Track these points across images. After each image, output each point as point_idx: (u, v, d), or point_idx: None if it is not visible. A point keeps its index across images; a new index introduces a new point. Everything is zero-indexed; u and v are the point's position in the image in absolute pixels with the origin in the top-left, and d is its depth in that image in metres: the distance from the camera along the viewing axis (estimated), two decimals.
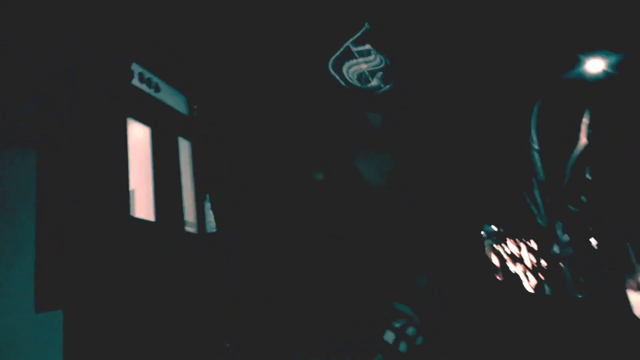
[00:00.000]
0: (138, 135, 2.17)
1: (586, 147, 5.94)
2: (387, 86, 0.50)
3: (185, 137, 2.52)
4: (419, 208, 0.53)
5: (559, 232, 5.29)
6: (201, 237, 2.54)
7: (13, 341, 1.56)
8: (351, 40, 0.49)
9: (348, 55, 0.49)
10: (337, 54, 0.48)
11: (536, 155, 6.76)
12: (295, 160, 0.50)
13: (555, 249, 5.15)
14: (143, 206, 2.14)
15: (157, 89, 2.33)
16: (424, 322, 0.51)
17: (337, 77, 0.48)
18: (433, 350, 0.50)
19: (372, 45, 0.49)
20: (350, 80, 0.48)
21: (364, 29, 0.49)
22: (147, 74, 2.21)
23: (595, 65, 5.94)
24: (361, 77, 0.49)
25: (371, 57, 0.49)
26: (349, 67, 0.48)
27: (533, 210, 6.39)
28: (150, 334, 1.59)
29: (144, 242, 2.02)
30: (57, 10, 1.85)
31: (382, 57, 0.50)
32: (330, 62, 0.48)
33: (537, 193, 6.43)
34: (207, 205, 2.66)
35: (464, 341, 0.51)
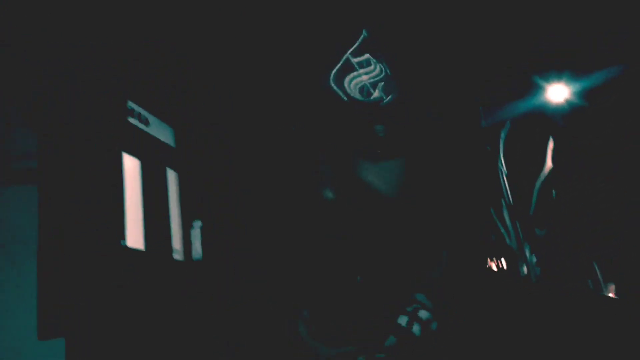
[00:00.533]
0: (128, 167, 2.27)
1: (551, 171, 6.22)
2: (389, 97, 0.50)
3: (173, 168, 2.62)
4: (429, 213, 0.55)
5: (527, 254, 5.51)
6: (188, 264, 2.62)
7: None
8: (350, 51, 0.49)
9: (349, 67, 0.49)
10: (338, 66, 0.49)
11: (504, 178, 7.03)
12: (299, 176, 0.50)
13: (524, 269, 5.36)
14: (133, 235, 2.23)
15: (147, 123, 2.43)
16: (438, 309, 0.53)
17: (340, 92, 0.48)
18: (448, 337, 0.52)
19: (371, 55, 0.50)
20: (352, 95, 0.48)
21: (361, 37, 0.50)
22: (137, 109, 2.31)
23: (557, 93, 6.25)
24: (362, 89, 0.49)
25: (371, 68, 0.49)
26: (351, 80, 0.48)
27: (502, 232, 6.63)
28: (149, 355, 1.67)
29: (136, 270, 2.10)
30: (55, 46, 1.95)
31: (381, 67, 0.50)
32: (331, 77, 0.49)
33: (506, 215, 6.67)
34: (193, 232, 2.75)
35: (478, 331, 0.53)
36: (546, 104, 5.95)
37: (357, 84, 0.48)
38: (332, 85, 0.48)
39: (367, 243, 0.49)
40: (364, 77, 0.48)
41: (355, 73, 0.48)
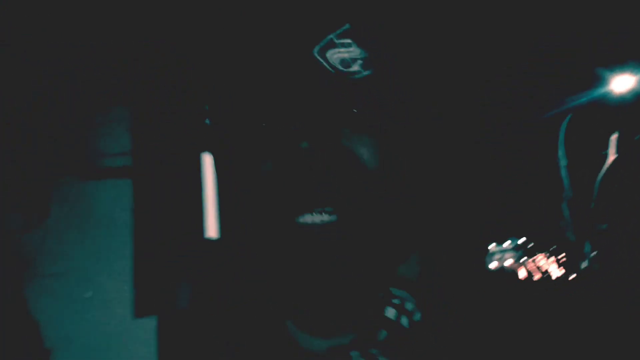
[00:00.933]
0: (206, 163, 2.47)
1: (614, 163, 6.03)
2: (367, 72, 0.54)
3: None
4: (412, 197, 0.56)
5: (587, 248, 5.42)
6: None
7: (112, 344, 1.84)
8: (334, 34, 0.54)
9: (331, 45, 0.54)
10: (322, 44, 0.54)
11: (564, 171, 6.89)
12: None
13: (584, 264, 5.28)
14: (210, 225, 2.43)
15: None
16: (420, 301, 0.55)
17: (322, 61, 0.53)
18: (432, 325, 0.54)
19: (352, 40, 0.55)
20: (333, 64, 0.53)
21: (345, 27, 0.55)
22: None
23: (622, 83, 6.06)
24: (343, 62, 0.54)
25: (352, 49, 0.55)
26: (332, 54, 0.54)
27: (561, 225, 6.50)
28: (235, 334, 1.85)
29: (213, 257, 2.29)
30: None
31: (361, 50, 0.55)
32: (315, 50, 0.53)
33: (565, 208, 6.55)
34: None
35: (462, 321, 0.55)
36: (610, 95, 5.80)
37: (338, 57, 0.53)
38: (316, 55, 0.52)
39: (347, 223, 0.50)
40: (345, 54, 0.53)
41: (337, 49, 0.53)
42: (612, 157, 6.39)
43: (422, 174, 0.59)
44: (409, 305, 0.54)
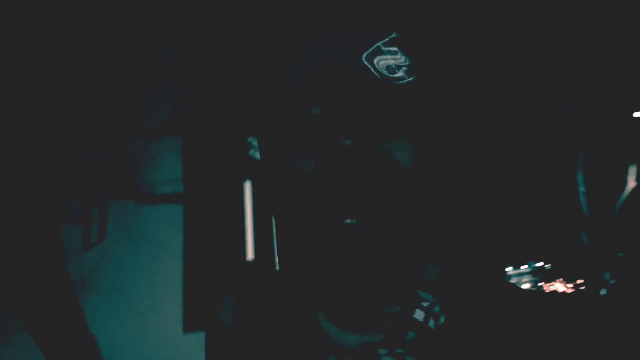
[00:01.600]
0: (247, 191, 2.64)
1: (634, 190, 6.10)
2: (411, 78, 0.56)
3: None
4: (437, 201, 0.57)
5: (607, 275, 5.46)
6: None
7: (163, 356, 1.99)
8: (382, 42, 0.56)
9: (379, 52, 0.56)
10: (370, 50, 0.55)
11: (583, 197, 6.94)
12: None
13: (603, 291, 5.32)
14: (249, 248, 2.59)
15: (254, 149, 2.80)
16: (443, 305, 0.56)
17: (370, 67, 0.54)
18: (455, 329, 0.55)
19: (398, 48, 0.57)
20: (380, 70, 0.54)
21: (392, 35, 0.57)
22: (252, 141, 2.67)
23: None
24: (389, 68, 0.55)
25: (398, 56, 0.57)
26: (379, 61, 0.56)
27: (580, 252, 6.54)
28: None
29: (247, 276, 2.44)
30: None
31: (406, 57, 0.57)
32: (364, 56, 0.55)
33: (584, 235, 6.58)
34: None
35: (481, 326, 0.56)
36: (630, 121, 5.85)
37: (384, 64, 0.55)
38: (364, 61, 0.54)
39: (380, 221, 0.51)
40: (391, 61, 0.56)
41: (383, 56, 0.56)
42: (631, 185, 6.43)
43: (455, 179, 0.61)
44: (437, 309, 0.56)
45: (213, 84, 2.22)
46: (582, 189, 7.00)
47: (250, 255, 2.57)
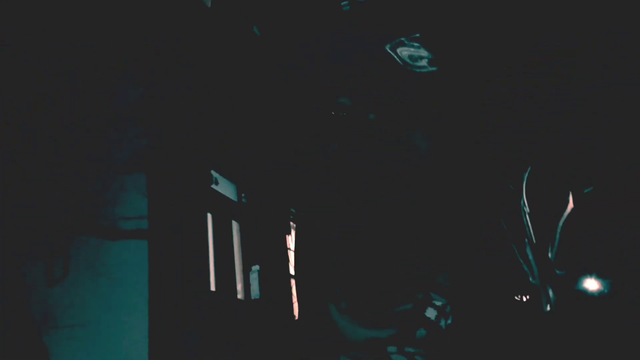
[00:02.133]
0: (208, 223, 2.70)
1: (572, 211, 6.45)
2: (433, 68, 0.60)
3: (236, 220, 3.04)
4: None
5: (550, 292, 5.74)
6: (247, 303, 3.02)
7: None
8: (405, 37, 0.60)
9: (402, 43, 0.61)
10: (394, 42, 0.60)
11: (527, 217, 7.27)
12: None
13: (547, 307, 5.58)
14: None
15: (217, 183, 2.88)
16: (453, 306, 0.57)
17: (393, 55, 0.59)
18: (462, 330, 0.56)
19: (420, 44, 0.61)
20: (402, 57, 0.59)
21: (415, 35, 0.61)
22: (214, 174, 2.76)
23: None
24: (412, 57, 0.60)
25: (420, 49, 0.61)
26: (402, 50, 0.60)
27: (525, 269, 6.83)
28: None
29: (213, 307, 2.51)
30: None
31: (427, 51, 0.61)
32: (387, 46, 0.60)
33: (529, 253, 6.88)
34: (252, 275, 3.15)
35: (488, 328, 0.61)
36: None
37: (407, 53, 0.58)
38: (388, 50, 0.58)
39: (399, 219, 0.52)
40: (413, 52, 0.59)
41: (406, 47, 0.59)
42: (571, 205, 6.79)
43: (461, 178, 0.61)
44: (449, 309, 0.56)
45: (179, 120, 2.30)
46: (526, 209, 7.35)
47: (212, 286, 2.63)
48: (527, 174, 7.40)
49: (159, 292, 2.00)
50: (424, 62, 0.59)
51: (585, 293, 6.31)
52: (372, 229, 0.53)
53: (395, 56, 0.59)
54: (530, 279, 6.48)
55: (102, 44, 2.29)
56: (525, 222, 7.32)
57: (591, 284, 6.38)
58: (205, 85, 2.61)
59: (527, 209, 7.28)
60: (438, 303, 0.56)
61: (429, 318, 0.55)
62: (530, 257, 6.91)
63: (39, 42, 2.26)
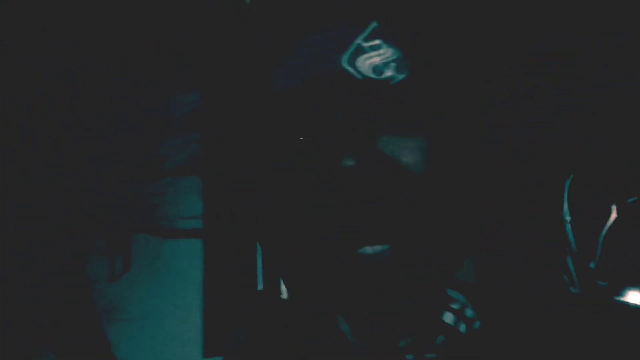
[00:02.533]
0: None
1: (615, 220, 6.29)
2: (402, 76, 0.50)
3: None
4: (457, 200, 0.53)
5: (591, 301, 5.66)
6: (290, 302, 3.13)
7: None
8: (361, 37, 0.50)
9: (360, 51, 0.50)
10: (350, 50, 0.50)
11: (568, 226, 7.17)
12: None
13: (586, 317, 5.51)
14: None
15: None
16: (478, 307, 0.53)
17: (352, 71, 0.49)
18: (491, 335, 0.52)
19: (382, 40, 0.51)
20: (365, 73, 0.49)
21: (372, 27, 0.51)
22: None
23: None
24: (375, 69, 0.50)
25: (382, 50, 0.51)
26: (363, 61, 0.50)
27: (565, 279, 6.71)
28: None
29: (257, 305, 2.62)
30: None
31: (393, 49, 0.51)
32: (343, 59, 0.49)
33: (570, 263, 6.78)
34: None
35: (519, 331, 0.53)
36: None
37: (370, 65, 0.49)
38: (345, 66, 0.48)
39: (392, 224, 0.48)
40: (376, 59, 0.49)
41: (367, 55, 0.49)
42: (613, 216, 6.65)
43: (474, 175, 0.56)
44: (469, 312, 0.52)
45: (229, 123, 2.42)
46: (567, 218, 7.25)
47: (260, 285, 2.75)
48: (569, 182, 7.33)
49: (213, 288, 2.13)
50: (390, 71, 0.49)
51: (628, 305, 6.20)
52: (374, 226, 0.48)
53: (355, 72, 0.48)
54: (571, 289, 6.38)
55: (161, 50, 2.41)
56: (566, 231, 7.22)
57: (634, 296, 6.24)
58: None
59: (568, 218, 7.19)
60: (456, 305, 0.52)
61: (446, 323, 0.51)
62: (571, 266, 6.82)
63: (98, 44, 2.35)
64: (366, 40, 0.49)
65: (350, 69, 0.48)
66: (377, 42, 0.49)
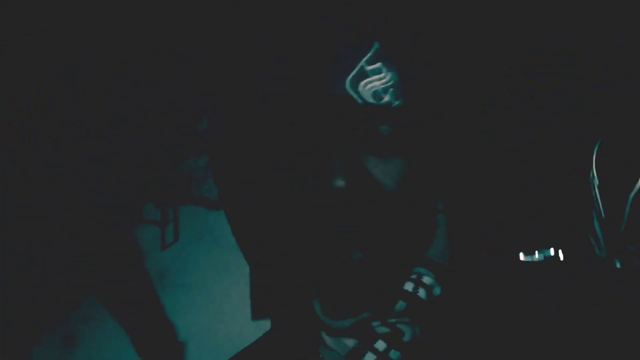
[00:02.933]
0: None
1: None
2: (398, 102, 0.53)
3: None
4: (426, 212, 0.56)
5: (618, 265, 5.70)
6: None
7: (234, 340, 2.31)
8: (364, 59, 0.52)
9: (363, 74, 0.52)
10: (354, 73, 0.52)
11: (596, 190, 7.13)
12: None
13: (614, 279, 5.56)
14: None
15: None
16: (442, 278, 0.56)
17: (355, 95, 0.52)
18: (451, 301, 0.55)
19: (383, 64, 0.53)
20: (365, 98, 0.52)
21: (374, 48, 0.53)
22: None
23: None
24: (375, 94, 0.52)
25: (382, 75, 0.53)
26: (365, 86, 0.52)
27: (592, 242, 6.71)
28: None
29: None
30: None
31: (392, 74, 0.53)
32: (347, 82, 0.52)
33: (597, 226, 6.77)
34: None
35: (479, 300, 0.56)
36: None
37: (370, 89, 0.52)
38: (349, 89, 0.51)
39: (369, 228, 0.51)
40: (377, 83, 0.52)
41: (368, 79, 0.52)
42: None
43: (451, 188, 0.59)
44: (427, 279, 0.55)
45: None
46: (595, 181, 7.20)
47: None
48: (597, 147, 7.25)
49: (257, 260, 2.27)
50: (388, 97, 0.52)
51: None
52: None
53: (355, 95, 0.51)
54: (597, 251, 6.39)
55: (161, 50, 2.40)
56: (594, 195, 7.18)
57: None
58: None
59: (596, 182, 7.15)
60: (414, 276, 0.54)
61: (406, 290, 0.54)
62: (598, 229, 6.81)
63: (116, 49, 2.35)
64: (368, 63, 0.52)
65: (353, 93, 0.51)
66: (377, 65, 0.52)
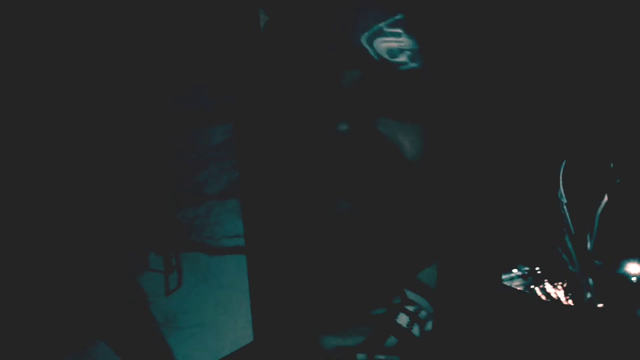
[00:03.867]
0: None
1: (607, 203, 6.60)
2: (414, 64, 0.52)
3: None
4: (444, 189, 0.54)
5: (590, 281, 5.96)
6: None
7: None
8: (385, 22, 0.53)
9: (380, 33, 0.52)
10: (371, 31, 0.52)
11: (565, 208, 7.46)
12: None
13: (589, 295, 5.80)
14: None
15: None
16: (435, 309, 0.52)
17: (369, 49, 0.51)
18: (443, 337, 0.52)
19: (403, 30, 0.53)
20: (380, 54, 0.52)
21: (397, 17, 0.53)
22: None
23: None
24: (390, 52, 0.52)
25: (402, 39, 0.53)
26: (380, 43, 0.52)
27: (564, 258, 7.01)
28: None
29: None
30: None
31: (411, 41, 0.53)
32: (363, 37, 0.51)
33: (568, 242, 7.08)
34: None
35: (473, 333, 0.53)
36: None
37: (385, 46, 0.51)
38: (364, 43, 0.51)
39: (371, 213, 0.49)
40: (393, 43, 0.51)
41: (385, 38, 0.51)
42: (605, 198, 6.98)
43: (463, 170, 0.57)
44: (423, 314, 0.53)
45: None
46: (563, 200, 7.54)
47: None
48: (563, 166, 7.60)
49: (259, 296, 2.47)
50: (404, 57, 0.52)
51: (628, 277, 6.53)
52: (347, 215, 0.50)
53: (370, 50, 0.52)
54: (570, 267, 6.69)
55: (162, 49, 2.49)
56: (562, 212, 7.51)
57: (633, 268, 6.54)
58: None
59: (564, 200, 7.48)
60: (411, 308, 0.53)
61: (400, 325, 0.52)
62: (570, 246, 7.12)
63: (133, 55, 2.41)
64: (389, 26, 0.52)
65: (367, 47, 0.51)
66: (398, 30, 0.53)
